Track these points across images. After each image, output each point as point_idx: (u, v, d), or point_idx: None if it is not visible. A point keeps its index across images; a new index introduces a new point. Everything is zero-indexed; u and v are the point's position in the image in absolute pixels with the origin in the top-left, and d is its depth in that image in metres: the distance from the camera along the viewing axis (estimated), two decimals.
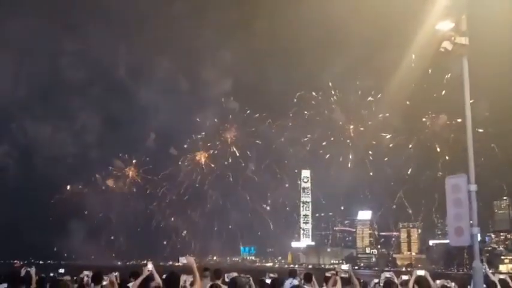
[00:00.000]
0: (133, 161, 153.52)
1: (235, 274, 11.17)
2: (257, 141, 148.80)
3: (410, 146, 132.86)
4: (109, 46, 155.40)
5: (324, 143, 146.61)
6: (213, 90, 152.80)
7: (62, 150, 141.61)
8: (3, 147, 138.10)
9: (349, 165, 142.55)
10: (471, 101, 9.93)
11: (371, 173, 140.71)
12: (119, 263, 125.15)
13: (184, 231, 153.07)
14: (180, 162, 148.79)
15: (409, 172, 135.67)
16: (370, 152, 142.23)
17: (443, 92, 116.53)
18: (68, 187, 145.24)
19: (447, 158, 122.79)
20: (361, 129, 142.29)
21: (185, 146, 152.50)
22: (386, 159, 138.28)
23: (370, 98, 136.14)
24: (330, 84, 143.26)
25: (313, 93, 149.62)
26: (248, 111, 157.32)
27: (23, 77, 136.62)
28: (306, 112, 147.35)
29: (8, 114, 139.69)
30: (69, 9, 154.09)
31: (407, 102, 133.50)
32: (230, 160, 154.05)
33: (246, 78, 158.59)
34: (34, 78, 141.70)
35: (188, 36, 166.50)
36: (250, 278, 12.50)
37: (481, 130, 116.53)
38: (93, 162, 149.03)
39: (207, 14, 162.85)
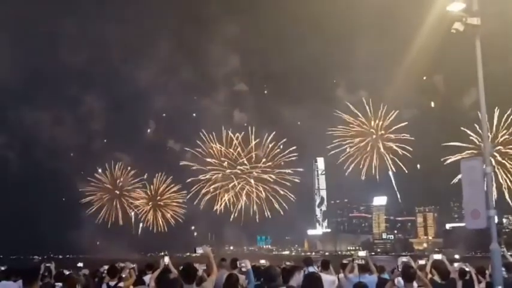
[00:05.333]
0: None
1: (247, 261, 11.15)
2: (270, 126, 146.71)
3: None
4: (106, 25, 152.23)
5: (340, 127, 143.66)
6: (219, 70, 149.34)
7: (64, 141, 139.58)
8: (2, 138, 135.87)
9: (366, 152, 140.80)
10: None
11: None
12: (137, 255, 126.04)
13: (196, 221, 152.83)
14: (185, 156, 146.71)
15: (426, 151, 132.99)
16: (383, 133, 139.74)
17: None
18: (77, 181, 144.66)
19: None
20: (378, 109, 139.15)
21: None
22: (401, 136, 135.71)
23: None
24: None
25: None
26: (259, 93, 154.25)
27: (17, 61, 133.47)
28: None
29: (4, 102, 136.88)
30: None
31: (424, 78, 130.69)
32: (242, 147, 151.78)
33: (255, 56, 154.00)
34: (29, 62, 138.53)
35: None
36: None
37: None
38: (96, 154, 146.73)
39: None
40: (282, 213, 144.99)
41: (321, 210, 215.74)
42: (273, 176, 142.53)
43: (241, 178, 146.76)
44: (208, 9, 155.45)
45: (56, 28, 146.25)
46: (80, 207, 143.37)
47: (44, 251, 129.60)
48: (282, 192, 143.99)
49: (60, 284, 10.34)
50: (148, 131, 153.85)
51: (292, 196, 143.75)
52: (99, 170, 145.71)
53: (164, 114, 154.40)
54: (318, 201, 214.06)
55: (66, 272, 12.66)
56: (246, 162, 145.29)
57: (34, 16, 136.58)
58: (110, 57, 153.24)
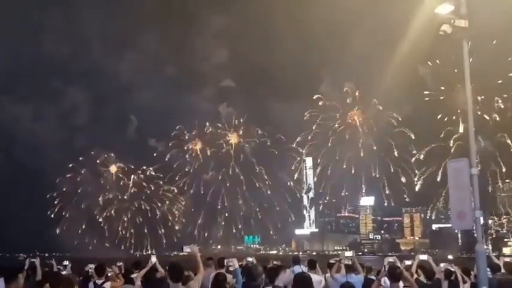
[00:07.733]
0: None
1: (235, 260, 11.11)
2: (259, 124, 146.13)
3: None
4: (90, 17, 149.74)
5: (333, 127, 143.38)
6: (206, 64, 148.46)
7: (45, 136, 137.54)
8: None
9: (361, 153, 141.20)
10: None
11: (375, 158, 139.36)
12: (123, 254, 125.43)
13: (183, 220, 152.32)
14: (169, 154, 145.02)
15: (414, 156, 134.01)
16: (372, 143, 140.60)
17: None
18: (58, 179, 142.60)
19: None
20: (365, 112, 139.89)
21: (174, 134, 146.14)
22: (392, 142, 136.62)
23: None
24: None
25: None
26: (247, 88, 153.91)
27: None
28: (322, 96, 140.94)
29: None
30: None
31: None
32: (229, 147, 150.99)
33: (243, 49, 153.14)
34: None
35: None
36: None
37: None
38: (77, 150, 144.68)
39: None
40: (275, 237, 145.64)
41: (308, 196, 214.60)
42: (269, 191, 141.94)
43: (229, 185, 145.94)
44: (195, 3, 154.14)
45: (39, 19, 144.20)
46: (65, 205, 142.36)
47: (30, 249, 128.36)
48: (278, 209, 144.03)
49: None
50: (130, 128, 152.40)
51: (292, 216, 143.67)
52: (82, 171, 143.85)
53: (147, 110, 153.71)
54: (305, 189, 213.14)
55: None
56: (235, 165, 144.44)
57: (17, 6, 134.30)
58: (93, 50, 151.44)
